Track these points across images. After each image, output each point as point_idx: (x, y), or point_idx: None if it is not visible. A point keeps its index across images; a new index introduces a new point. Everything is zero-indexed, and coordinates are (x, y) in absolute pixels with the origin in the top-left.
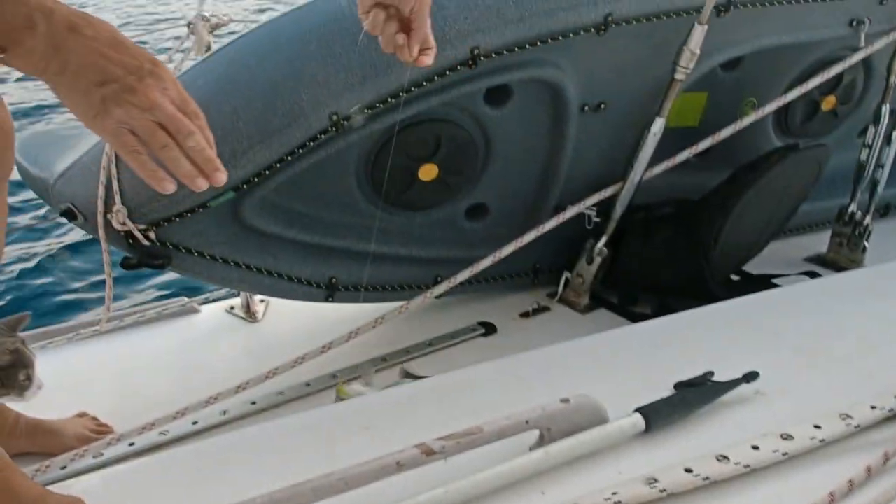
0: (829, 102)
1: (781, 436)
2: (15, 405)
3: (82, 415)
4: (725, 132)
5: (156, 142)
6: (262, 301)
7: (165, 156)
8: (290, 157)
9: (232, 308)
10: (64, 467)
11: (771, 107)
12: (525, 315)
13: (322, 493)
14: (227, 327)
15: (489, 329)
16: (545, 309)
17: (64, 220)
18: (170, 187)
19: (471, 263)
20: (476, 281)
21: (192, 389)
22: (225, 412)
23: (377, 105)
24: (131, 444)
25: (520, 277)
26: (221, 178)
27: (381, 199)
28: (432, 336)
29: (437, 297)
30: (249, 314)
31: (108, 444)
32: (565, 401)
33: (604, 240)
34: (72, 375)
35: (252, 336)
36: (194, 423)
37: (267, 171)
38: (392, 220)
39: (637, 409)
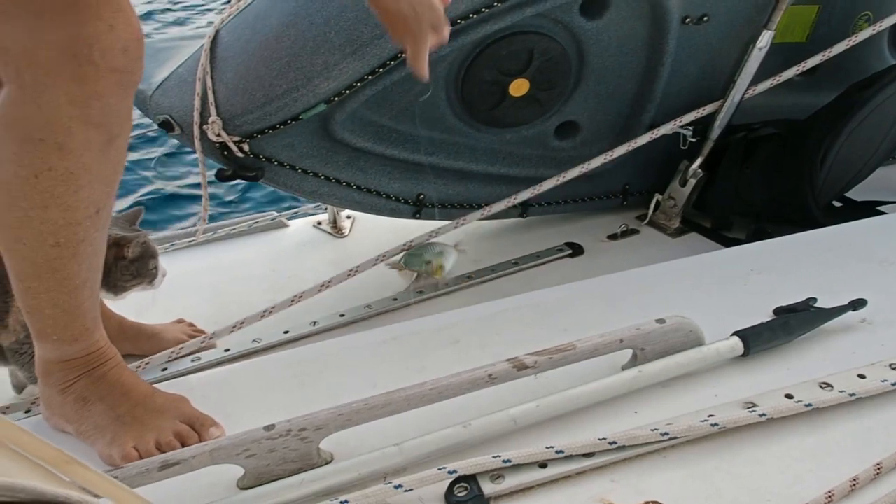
0: None
1: (890, 365)
2: (113, 305)
3: (180, 321)
4: (837, 48)
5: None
6: (348, 217)
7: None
8: (381, 70)
9: (319, 223)
10: (165, 368)
11: (888, 21)
12: (613, 237)
13: (415, 402)
14: (315, 241)
15: (576, 250)
16: (634, 231)
17: (161, 131)
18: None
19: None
20: (565, 201)
21: (281, 299)
22: (315, 323)
23: (470, 15)
24: (227, 350)
25: (609, 198)
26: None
27: (470, 114)
28: (518, 255)
29: (524, 216)
30: (336, 229)
31: (202, 343)
32: (661, 321)
33: (699, 161)
34: (169, 283)
35: (339, 250)
36: (286, 332)
37: (358, 84)
38: (481, 137)
39: (735, 333)
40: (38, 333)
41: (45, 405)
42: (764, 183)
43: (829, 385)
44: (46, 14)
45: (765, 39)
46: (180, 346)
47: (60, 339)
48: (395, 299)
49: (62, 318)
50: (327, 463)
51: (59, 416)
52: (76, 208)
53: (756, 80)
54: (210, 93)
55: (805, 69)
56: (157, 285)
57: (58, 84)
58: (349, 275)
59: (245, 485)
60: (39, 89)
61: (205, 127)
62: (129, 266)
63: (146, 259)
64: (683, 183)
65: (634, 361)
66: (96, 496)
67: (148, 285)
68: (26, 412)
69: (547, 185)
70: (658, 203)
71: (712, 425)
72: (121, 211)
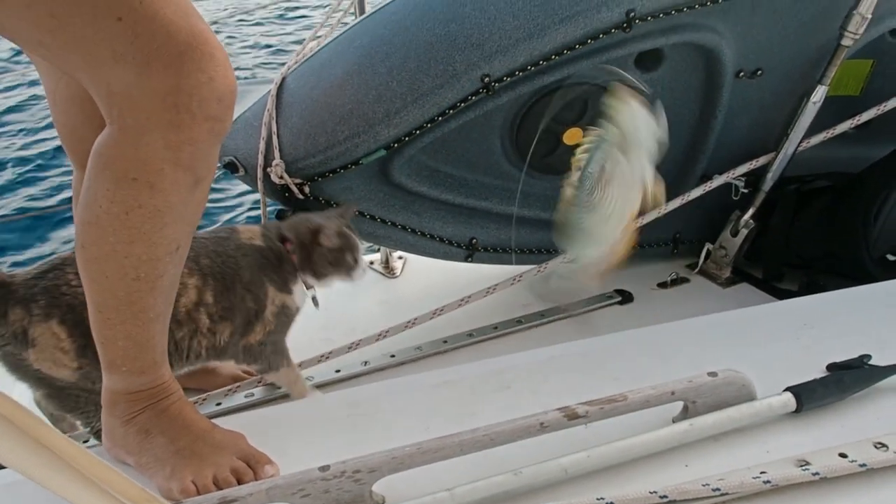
0: None
1: None
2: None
3: None
4: (892, 102)
5: None
6: (400, 258)
7: None
8: (440, 118)
9: (371, 263)
10: (219, 403)
11: None
12: (663, 285)
13: (468, 448)
14: (367, 281)
15: (626, 297)
16: (684, 280)
17: (226, 172)
18: None
19: None
20: None
21: (334, 338)
22: (366, 363)
23: (528, 67)
24: (279, 388)
25: (659, 246)
26: None
27: (524, 161)
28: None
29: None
30: (388, 270)
31: (258, 382)
32: (713, 374)
33: (751, 211)
34: None
35: (390, 291)
36: (337, 371)
37: (417, 131)
38: (534, 184)
39: (788, 389)
40: (108, 364)
41: (107, 436)
42: (817, 235)
43: (884, 445)
44: (153, 63)
45: (819, 94)
46: (237, 384)
47: (129, 371)
48: (446, 342)
49: (133, 350)
50: None
51: (121, 447)
52: (159, 244)
53: (809, 132)
54: (275, 137)
55: (860, 122)
56: (356, 279)
57: (157, 129)
58: (406, 326)
59: None
60: (139, 132)
61: (268, 169)
62: (327, 254)
63: (344, 251)
64: (735, 233)
65: (685, 414)
66: None
67: (345, 277)
68: (84, 442)
69: None
70: (709, 252)
71: (764, 482)
72: None
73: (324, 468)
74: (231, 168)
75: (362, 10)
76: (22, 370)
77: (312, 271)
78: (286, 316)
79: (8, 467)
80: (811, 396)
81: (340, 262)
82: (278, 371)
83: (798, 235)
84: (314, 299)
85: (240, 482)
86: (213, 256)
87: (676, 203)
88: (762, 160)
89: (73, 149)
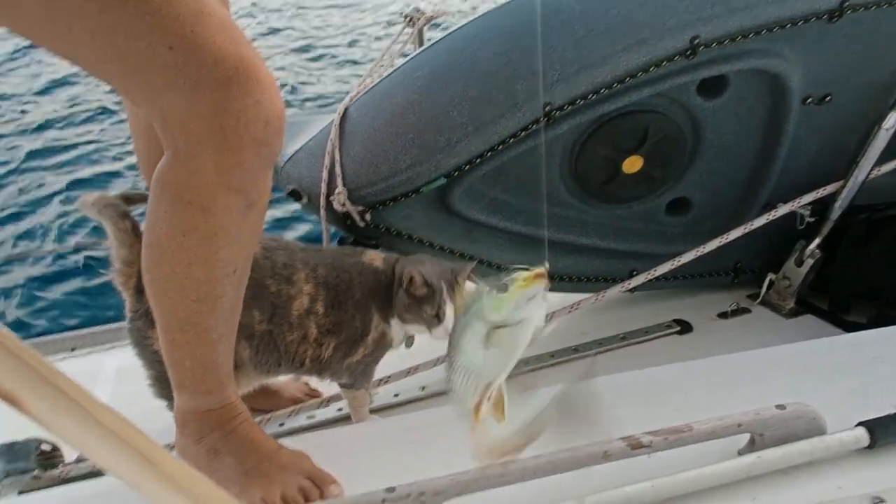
0: None
1: None
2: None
3: (296, 379)
4: None
5: None
6: None
7: None
8: (500, 147)
9: None
10: (282, 424)
11: None
12: (723, 315)
13: (530, 474)
14: None
15: (685, 327)
16: (745, 310)
17: (290, 200)
18: None
19: (668, 259)
20: (674, 277)
21: (392, 362)
22: (424, 388)
23: (589, 96)
24: (339, 410)
25: (719, 276)
26: None
27: (582, 190)
28: (626, 330)
29: (632, 291)
30: None
31: (318, 405)
32: (781, 407)
33: (817, 241)
34: None
35: (448, 315)
36: (395, 395)
37: (477, 160)
38: (592, 212)
39: (860, 423)
40: (177, 385)
41: (180, 454)
42: (888, 266)
43: None
44: (201, 89)
45: (891, 120)
46: (299, 405)
47: (196, 391)
48: None
49: (199, 371)
50: None
51: (193, 465)
52: (216, 266)
53: (881, 159)
54: (338, 165)
55: None
56: (436, 337)
57: (206, 152)
58: None
59: None
60: (190, 155)
61: (331, 198)
62: (404, 298)
63: (422, 303)
64: (800, 263)
65: (752, 447)
66: None
67: (424, 328)
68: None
69: (661, 269)
70: (771, 282)
71: None
72: None
73: (390, 489)
74: (294, 196)
75: (421, 42)
76: (142, 347)
77: (396, 310)
78: (384, 343)
79: (113, 476)
80: (885, 432)
81: (416, 311)
82: (358, 391)
83: (868, 266)
84: (410, 339)
85: (307, 500)
86: (329, 269)
87: (739, 232)
88: (830, 188)
89: (149, 174)
